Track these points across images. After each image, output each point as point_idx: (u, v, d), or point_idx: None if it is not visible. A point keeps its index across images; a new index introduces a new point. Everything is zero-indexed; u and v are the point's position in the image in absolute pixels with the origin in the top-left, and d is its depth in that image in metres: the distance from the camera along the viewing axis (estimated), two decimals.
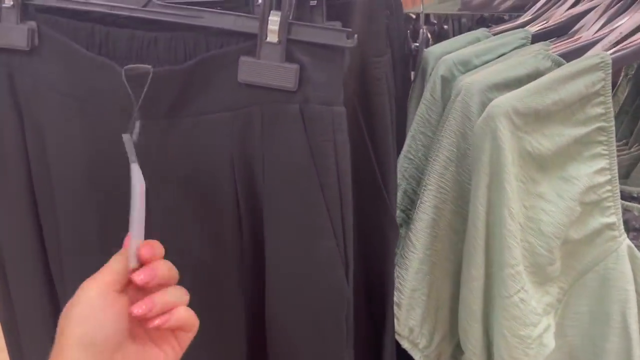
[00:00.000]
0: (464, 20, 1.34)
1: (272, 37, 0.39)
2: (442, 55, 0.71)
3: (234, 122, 0.41)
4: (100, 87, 0.42)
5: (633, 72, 0.84)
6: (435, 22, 1.25)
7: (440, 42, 0.84)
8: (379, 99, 0.44)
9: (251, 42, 0.40)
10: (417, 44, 0.83)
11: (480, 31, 0.79)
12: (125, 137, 0.37)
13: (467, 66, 0.66)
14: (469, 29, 1.24)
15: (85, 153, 0.45)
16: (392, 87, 0.46)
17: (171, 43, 0.42)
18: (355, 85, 0.42)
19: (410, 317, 0.59)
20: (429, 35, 1.05)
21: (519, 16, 0.92)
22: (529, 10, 0.83)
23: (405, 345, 0.60)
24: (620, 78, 0.86)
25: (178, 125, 0.42)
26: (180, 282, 0.45)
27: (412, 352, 0.61)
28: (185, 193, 0.44)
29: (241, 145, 0.41)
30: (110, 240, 0.46)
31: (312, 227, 0.41)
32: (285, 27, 0.39)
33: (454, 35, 1.11)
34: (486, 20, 1.17)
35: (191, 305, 0.45)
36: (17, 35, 0.44)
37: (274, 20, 0.39)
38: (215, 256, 0.45)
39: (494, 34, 0.77)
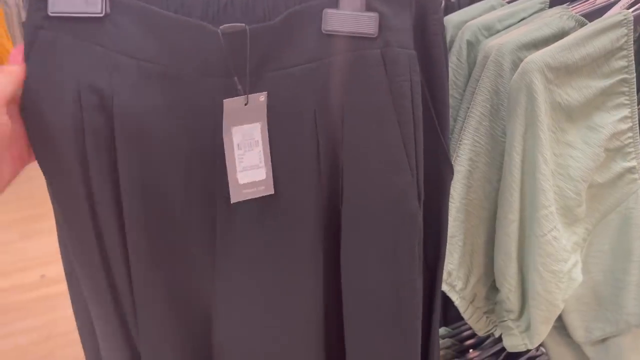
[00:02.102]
0: None
1: None
2: (459, 23, 0.76)
3: (318, 72, 0.45)
4: (185, 48, 0.45)
5: (638, 35, 0.90)
6: None
7: (448, 13, 0.89)
8: (436, 51, 0.49)
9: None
10: None
11: None
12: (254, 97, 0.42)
13: (491, 31, 0.71)
14: (472, 1, 1.29)
15: (166, 117, 0.46)
16: (446, 43, 0.51)
17: (248, 4, 0.45)
18: (416, 39, 0.47)
19: (449, 262, 0.65)
20: None
21: None
22: None
23: (443, 287, 0.66)
24: None
25: (265, 80, 0.46)
26: (262, 225, 0.49)
27: (450, 294, 0.67)
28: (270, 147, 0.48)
29: (324, 95, 0.45)
30: (188, 207, 0.49)
31: (391, 162, 0.46)
32: None
33: (460, 7, 1.15)
34: None
35: (271, 241, 0.50)
36: (90, 1, 0.45)
37: None
38: (296, 200, 0.49)
39: (508, 2, 0.81)
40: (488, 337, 1.12)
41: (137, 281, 0.50)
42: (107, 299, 0.52)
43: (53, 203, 0.53)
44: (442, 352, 1.13)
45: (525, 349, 0.65)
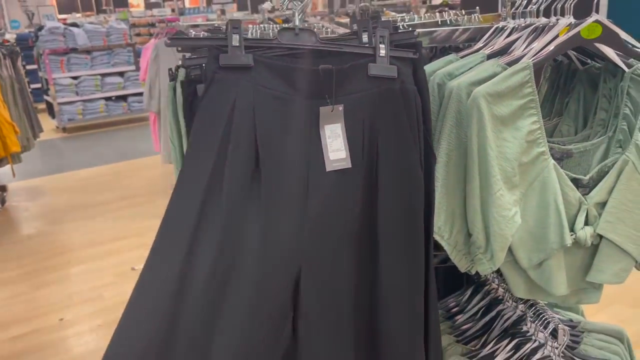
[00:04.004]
0: (424, 50, 1.82)
1: (382, 53, 0.83)
2: (431, 72, 1.16)
3: (366, 97, 0.83)
4: (296, 82, 0.83)
5: (548, 75, 1.32)
6: None
7: None
8: (423, 87, 0.88)
9: (368, 58, 0.83)
10: None
11: (452, 56, 1.24)
12: (325, 109, 0.79)
13: (452, 76, 1.11)
14: (434, 57, 1.71)
15: (283, 121, 0.83)
16: (427, 82, 0.90)
17: (327, 61, 0.84)
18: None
19: (438, 220, 1.01)
20: None
21: (469, 46, 1.39)
22: (480, 41, 1.29)
23: (436, 237, 1.02)
24: (542, 79, 1.34)
25: (339, 100, 0.83)
26: (333, 179, 0.86)
27: (441, 242, 1.03)
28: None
29: (369, 109, 0.83)
30: (302, 183, 0.84)
31: (406, 145, 0.84)
32: (388, 50, 0.83)
33: (433, 60, 1.58)
34: (446, 49, 1.63)
35: (337, 188, 0.85)
36: (245, 59, 0.83)
37: (382, 46, 0.82)
38: (353, 165, 0.86)
39: (461, 57, 1.22)
40: (467, 304, 1.48)
41: (267, 203, 0.83)
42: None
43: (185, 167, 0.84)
44: None
45: (491, 272, 1.01)
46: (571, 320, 1.36)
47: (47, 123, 7.61)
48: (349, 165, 0.84)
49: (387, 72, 0.83)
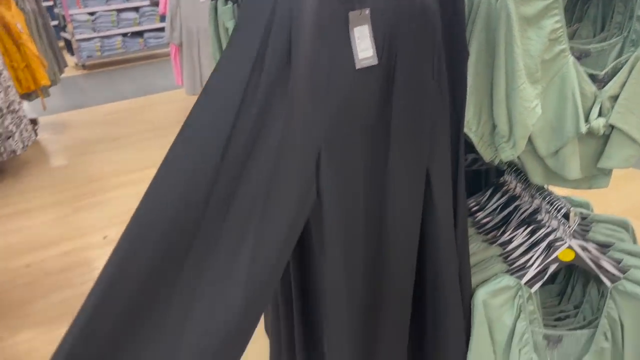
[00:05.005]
0: None
1: None
2: None
3: (388, 7, 0.94)
4: (336, 13, 0.94)
5: None
6: None
7: None
8: (460, 15, 1.00)
9: None
10: None
11: None
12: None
13: None
14: None
15: (315, 20, 0.91)
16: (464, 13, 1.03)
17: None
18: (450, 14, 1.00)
19: (467, 114, 1.15)
20: None
21: None
22: None
23: (466, 130, 1.16)
24: None
25: (366, 5, 0.95)
26: (348, 82, 0.99)
27: (469, 134, 1.17)
28: None
29: (390, 20, 0.94)
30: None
31: (422, 57, 0.97)
32: None
33: None
34: None
35: (351, 95, 0.99)
36: None
37: None
38: (369, 70, 0.99)
39: None
40: (487, 203, 1.63)
41: (292, 89, 0.94)
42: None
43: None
44: None
45: (512, 158, 1.15)
46: (582, 213, 1.51)
47: (67, 60, 7.71)
48: (376, 62, 0.96)
49: None
